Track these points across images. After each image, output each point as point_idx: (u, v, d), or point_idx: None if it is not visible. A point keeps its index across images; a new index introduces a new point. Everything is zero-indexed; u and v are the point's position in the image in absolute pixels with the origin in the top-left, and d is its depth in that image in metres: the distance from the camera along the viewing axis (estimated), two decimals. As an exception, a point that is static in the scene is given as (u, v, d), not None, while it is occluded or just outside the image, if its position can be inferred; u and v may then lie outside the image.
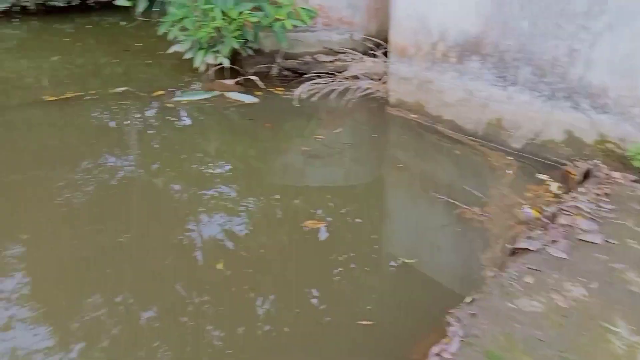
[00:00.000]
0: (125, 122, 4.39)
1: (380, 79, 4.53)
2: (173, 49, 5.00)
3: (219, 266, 2.54)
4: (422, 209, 3.17)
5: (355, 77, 4.67)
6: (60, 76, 5.35)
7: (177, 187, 3.32)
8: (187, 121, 4.50)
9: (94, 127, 4.30)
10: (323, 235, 2.78)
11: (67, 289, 2.41)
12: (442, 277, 2.51)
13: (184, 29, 4.81)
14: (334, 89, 4.49)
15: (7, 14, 6.68)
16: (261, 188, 3.36)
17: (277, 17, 4.61)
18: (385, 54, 4.66)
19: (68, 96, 4.67)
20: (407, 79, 4.11)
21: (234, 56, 4.97)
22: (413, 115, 4.16)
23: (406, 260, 2.57)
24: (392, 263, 2.60)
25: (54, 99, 4.64)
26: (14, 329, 2.15)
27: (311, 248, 2.68)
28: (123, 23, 6.90)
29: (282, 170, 3.64)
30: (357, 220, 2.99)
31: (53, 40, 6.51)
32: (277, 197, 3.21)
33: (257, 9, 4.72)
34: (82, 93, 4.72)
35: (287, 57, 5.13)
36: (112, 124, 4.39)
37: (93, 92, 4.75)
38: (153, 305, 2.30)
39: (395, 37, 4.12)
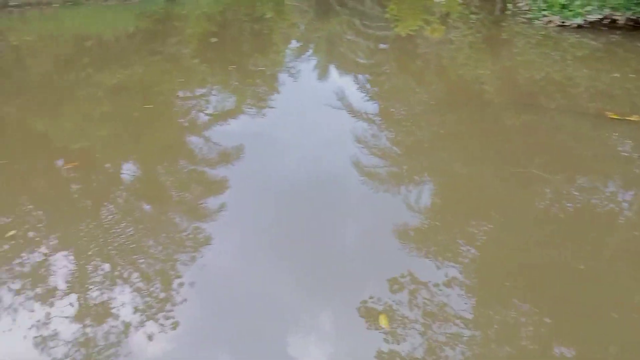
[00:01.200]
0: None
1: None
2: None
3: None
4: None
5: None
6: (614, 93, 5.14)
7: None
8: None
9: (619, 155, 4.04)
10: None
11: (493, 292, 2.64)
12: None
13: None
14: None
15: (593, 25, 6.87)
16: None
17: None
18: None
19: (634, 119, 4.43)
20: None
21: None
22: None
23: None
24: None
25: (616, 117, 4.50)
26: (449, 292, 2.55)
27: None
28: None
29: None
30: None
31: (623, 56, 6.30)
32: None
33: None
34: (645, 119, 4.38)
35: None
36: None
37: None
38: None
39: None
